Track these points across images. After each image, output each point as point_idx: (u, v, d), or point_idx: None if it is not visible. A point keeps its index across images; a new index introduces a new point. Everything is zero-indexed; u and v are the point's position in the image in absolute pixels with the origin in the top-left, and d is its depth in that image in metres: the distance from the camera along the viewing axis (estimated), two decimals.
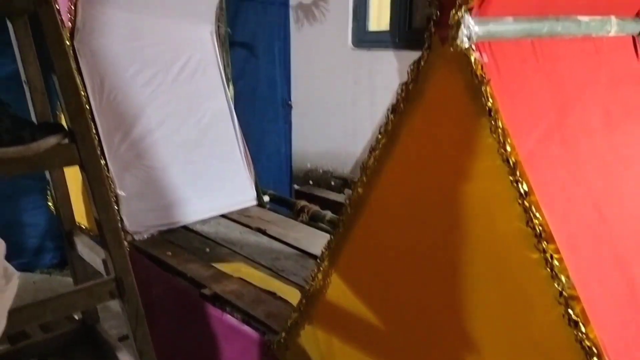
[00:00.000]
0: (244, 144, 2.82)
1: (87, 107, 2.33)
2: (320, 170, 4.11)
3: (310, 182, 4.13)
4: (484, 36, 1.06)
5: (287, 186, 4.27)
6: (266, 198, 2.83)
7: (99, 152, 1.43)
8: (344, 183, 3.76)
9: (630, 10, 1.41)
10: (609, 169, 1.25)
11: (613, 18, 1.35)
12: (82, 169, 1.37)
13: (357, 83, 3.76)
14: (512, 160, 1.01)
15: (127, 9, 2.44)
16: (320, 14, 3.90)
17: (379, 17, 3.70)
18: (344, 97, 3.87)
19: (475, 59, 1.04)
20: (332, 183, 3.84)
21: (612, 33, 1.36)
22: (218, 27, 2.89)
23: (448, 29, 1.04)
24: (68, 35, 2.30)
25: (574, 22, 1.25)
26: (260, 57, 4.04)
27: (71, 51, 2.30)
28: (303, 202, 2.69)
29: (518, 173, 1.01)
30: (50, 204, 2.86)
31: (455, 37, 1.02)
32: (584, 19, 1.27)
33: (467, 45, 1.03)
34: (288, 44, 4.10)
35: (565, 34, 1.24)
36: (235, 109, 2.84)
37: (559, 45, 1.24)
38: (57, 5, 2.30)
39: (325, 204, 2.93)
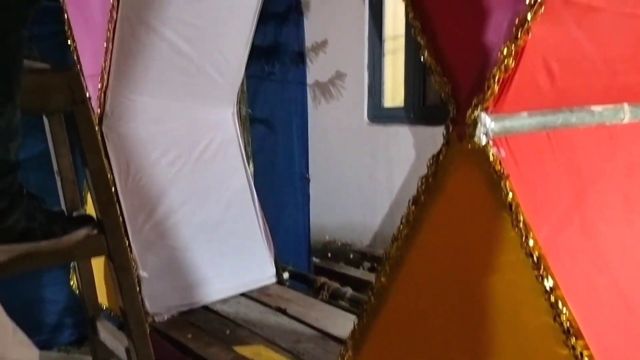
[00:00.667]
0: (264, 220, 2.86)
1: (113, 189, 2.40)
2: (339, 243, 4.10)
3: (329, 254, 4.12)
4: (501, 132, 1.10)
5: (305, 259, 4.25)
6: (285, 275, 2.83)
7: (126, 241, 1.47)
8: (362, 256, 3.75)
9: None
10: (633, 257, 1.24)
11: (626, 105, 1.39)
12: (110, 259, 1.40)
13: (374, 157, 3.82)
14: (535, 254, 1.02)
15: (154, 95, 2.56)
16: (336, 92, 4.04)
17: (394, 94, 3.81)
18: (361, 171, 3.92)
19: (493, 155, 1.07)
20: (351, 256, 3.83)
21: (626, 120, 1.39)
22: (239, 108, 3.01)
23: (465, 126, 1.08)
24: (97, 120, 2.41)
25: (588, 113, 1.29)
26: (278, 133, 4.15)
27: (100, 137, 2.40)
28: (323, 279, 2.68)
29: (542, 267, 1.01)
30: (72, 282, 2.88)
31: (472, 135, 1.06)
32: (597, 108, 1.31)
33: (484, 142, 1.07)
34: (306, 119, 4.22)
35: (579, 124, 1.27)
36: (254, 182, 2.91)
37: (574, 135, 1.27)
38: (88, 93, 2.44)
39: (345, 280, 2.91)
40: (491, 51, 1.03)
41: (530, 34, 0.99)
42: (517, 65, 1.02)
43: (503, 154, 1.09)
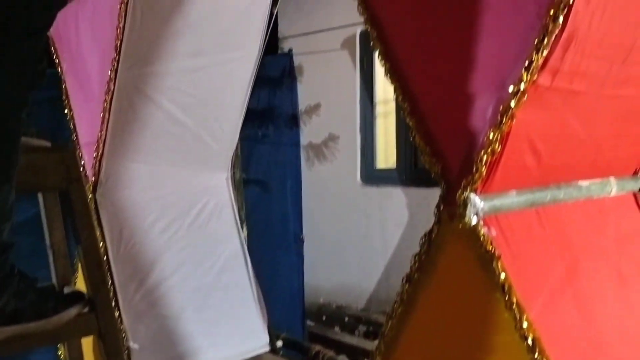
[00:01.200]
0: (257, 287, 2.83)
1: (105, 257, 2.38)
2: (334, 306, 4.05)
3: (324, 317, 4.05)
4: (490, 211, 1.11)
5: (299, 322, 4.18)
6: (279, 343, 2.77)
7: (116, 319, 1.45)
8: (357, 320, 3.69)
9: (627, 169, 1.48)
10: (629, 334, 1.23)
11: (612, 179, 1.42)
12: (100, 338, 1.38)
13: (367, 218, 3.83)
14: (530, 337, 1.01)
15: (149, 162, 2.58)
16: (329, 153, 4.10)
17: (386, 156, 3.87)
18: (355, 232, 3.93)
19: (484, 235, 1.08)
20: (346, 320, 3.77)
21: (613, 193, 1.42)
22: (233, 172, 3.04)
23: (456, 206, 1.10)
24: (91, 188, 2.42)
25: (575, 188, 1.31)
26: (272, 194, 4.18)
27: (93, 204, 2.41)
28: (317, 347, 2.62)
29: (537, 351, 1.00)
30: (60, 352, 2.81)
31: (463, 215, 1.08)
32: (585, 183, 1.34)
33: (475, 222, 1.08)
34: (299, 181, 4.26)
35: (567, 199, 1.30)
36: (248, 243, 2.89)
37: (563, 210, 1.29)
38: (82, 162, 2.47)
39: (340, 347, 2.86)
40: (478, 135, 1.06)
41: (514, 120, 1.02)
42: (503, 148, 1.05)
43: (494, 233, 1.10)
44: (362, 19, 1.27)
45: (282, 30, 4.04)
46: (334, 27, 3.70)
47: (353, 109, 3.94)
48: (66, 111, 2.59)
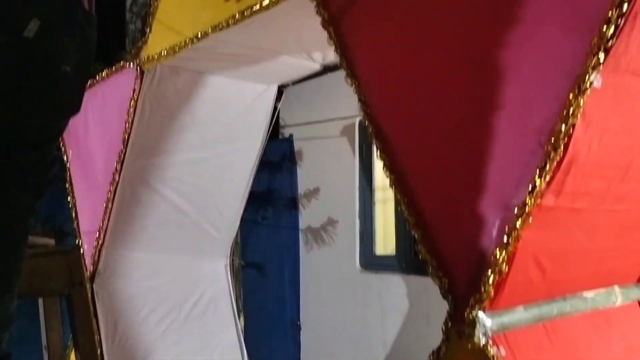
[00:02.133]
0: None
1: (99, 350, 2.31)
2: None
3: None
4: (499, 329, 1.11)
5: None
6: None
7: None
8: None
9: (631, 277, 1.49)
10: None
11: (616, 288, 1.42)
12: None
13: (366, 305, 3.76)
14: None
15: (148, 250, 2.57)
16: (328, 238, 4.09)
17: (385, 242, 3.86)
18: (353, 319, 3.84)
19: (493, 355, 1.07)
20: None
21: (618, 303, 1.41)
22: (232, 259, 3.02)
23: (464, 324, 1.09)
24: (89, 278, 2.39)
25: (581, 299, 1.31)
26: (270, 277, 4.12)
27: (90, 294, 2.37)
28: None
29: None
30: None
31: (472, 335, 1.07)
32: (590, 294, 1.34)
33: (484, 342, 1.07)
34: (297, 265, 4.21)
35: (574, 312, 1.29)
36: (244, 328, 2.82)
37: (570, 323, 1.28)
38: (82, 250, 2.45)
39: None
40: (484, 254, 1.08)
41: (520, 240, 1.04)
42: (510, 267, 1.06)
43: (503, 353, 1.09)
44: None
45: (284, 117, 4.16)
46: (334, 118, 3.80)
47: (352, 194, 3.97)
48: (69, 199, 2.61)
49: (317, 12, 1.49)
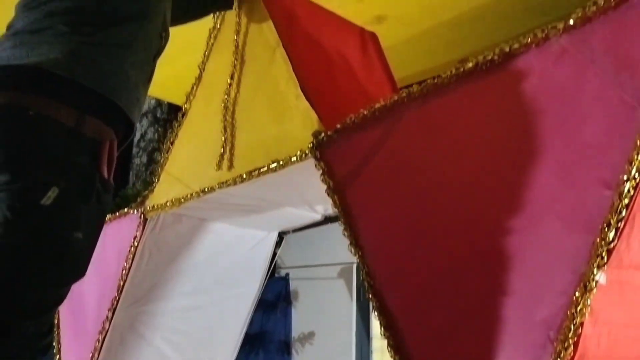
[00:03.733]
0: None
1: None
2: None
3: None
4: None
5: None
6: None
7: None
8: None
9: None
10: None
11: None
12: None
13: None
14: None
15: None
16: None
17: None
18: None
19: None
20: None
21: None
22: None
23: None
24: None
25: None
26: None
27: None
28: None
29: None
30: None
31: None
32: None
33: None
34: None
35: None
36: None
37: None
38: None
39: None
40: None
41: None
42: None
43: None
44: None
45: (282, 257, 4.15)
46: (332, 263, 3.81)
47: (348, 340, 3.85)
48: (54, 343, 2.49)
49: (322, 180, 1.55)
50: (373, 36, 2.44)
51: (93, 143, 1.21)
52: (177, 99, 3.98)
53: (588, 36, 1.08)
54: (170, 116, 6.24)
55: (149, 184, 2.44)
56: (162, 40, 1.46)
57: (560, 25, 1.12)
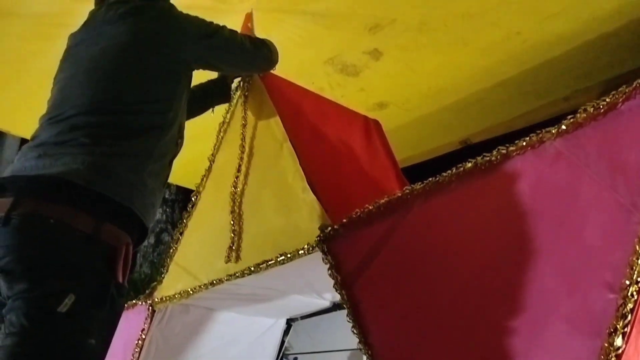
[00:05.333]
0: None
1: None
2: None
3: None
4: None
5: None
6: None
7: None
8: None
9: None
10: None
11: None
12: None
13: None
14: None
15: None
16: None
17: None
18: None
19: None
20: None
21: None
22: None
23: None
24: None
25: None
26: None
27: None
28: None
29: None
30: None
31: None
32: None
33: None
34: None
35: None
36: None
37: None
38: None
39: None
40: None
41: None
42: None
43: None
44: None
45: (291, 343, 4.06)
46: (340, 349, 3.72)
47: None
48: None
49: (329, 275, 1.57)
50: (376, 124, 2.54)
51: (109, 248, 1.25)
52: (186, 182, 4.08)
53: (581, 141, 1.14)
54: (178, 197, 6.34)
55: (155, 266, 2.46)
56: (177, 146, 1.54)
57: (554, 130, 1.18)
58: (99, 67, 1.40)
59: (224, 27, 1.67)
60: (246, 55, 1.75)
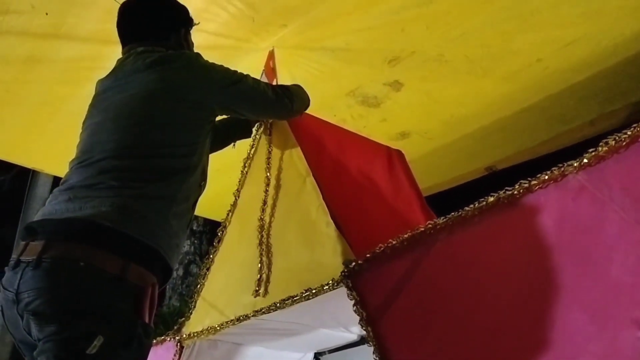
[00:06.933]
0: None
1: None
2: None
3: None
4: None
5: None
6: None
7: None
8: None
9: None
10: None
11: None
12: None
13: None
14: None
15: None
16: None
17: None
18: None
19: None
20: None
21: None
22: None
23: None
24: None
25: None
26: None
27: None
28: None
29: None
30: None
31: None
32: None
33: None
34: None
35: None
36: None
37: None
38: None
39: None
40: None
41: None
42: None
43: None
44: None
45: None
46: None
47: None
48: None
49: (355, 311, 1.56)
50: (399, 154, 2.54)
51: (136, 288, 1.28)
52: (211, 214, 4.13)
53: (604, 174, 1.13)
54: (205, 228, 6.42)
55: (184, 299, 2.47)
56: (201, 188, 1.57)
57: (576, 163, 1.17)
58: (127, 114, 1.46)
59: (247, 75, 1.71)
60: (268, 104, 1.79)
